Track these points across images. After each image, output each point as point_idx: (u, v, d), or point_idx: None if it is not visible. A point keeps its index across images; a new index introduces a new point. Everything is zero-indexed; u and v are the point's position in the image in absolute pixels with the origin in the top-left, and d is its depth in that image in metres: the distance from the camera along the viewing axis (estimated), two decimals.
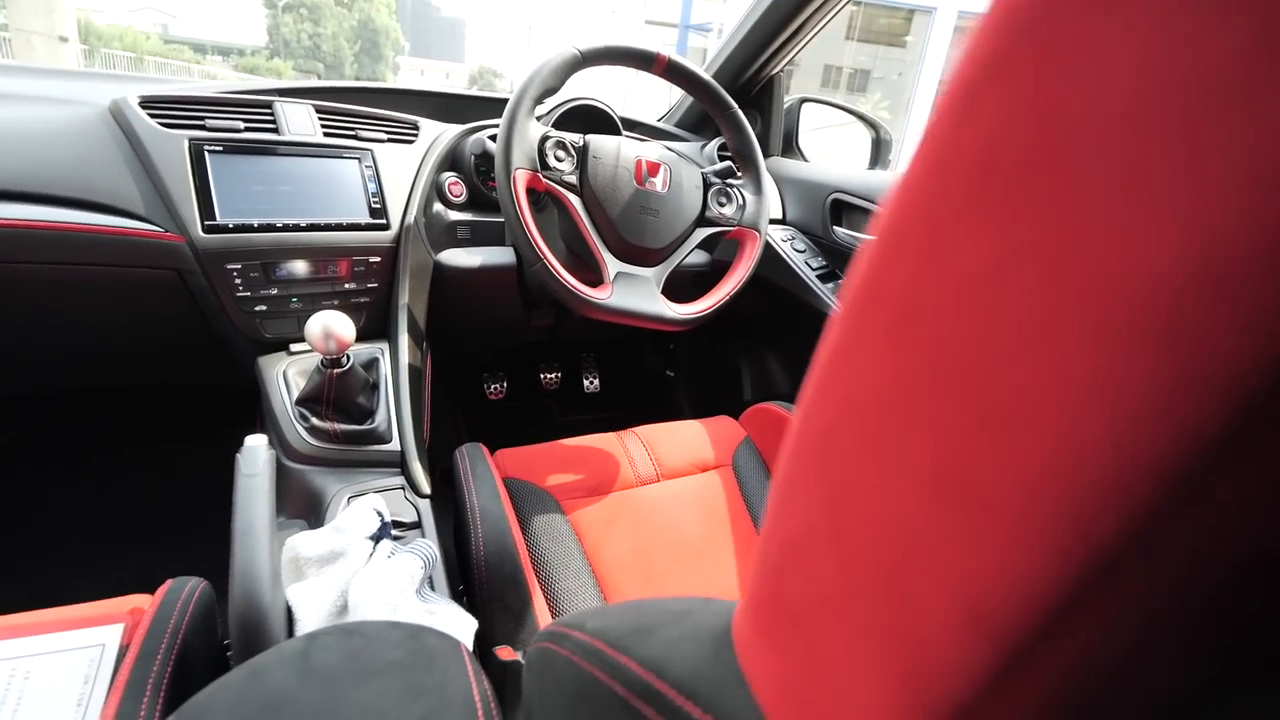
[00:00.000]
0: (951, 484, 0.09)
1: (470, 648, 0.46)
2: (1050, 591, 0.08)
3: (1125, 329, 0.07)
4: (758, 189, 0.84)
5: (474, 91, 1.18)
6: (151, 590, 0.53)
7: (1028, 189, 0.08)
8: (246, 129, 0.75)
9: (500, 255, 0.89)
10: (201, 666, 0.47)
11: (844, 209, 1.02)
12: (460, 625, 0.50)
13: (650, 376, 1.51)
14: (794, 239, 1.06)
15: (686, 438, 0.85)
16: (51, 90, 0.76)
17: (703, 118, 1.22)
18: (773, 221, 1.08)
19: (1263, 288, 0.06)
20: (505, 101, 1.15)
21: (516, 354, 1.42)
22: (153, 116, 0.71)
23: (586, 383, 1.47)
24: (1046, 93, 0.08)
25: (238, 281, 0.72)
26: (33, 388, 0.99)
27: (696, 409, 1.37)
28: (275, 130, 0.77)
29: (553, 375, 1.43)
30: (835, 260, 1.04)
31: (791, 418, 0.14)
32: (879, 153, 1.24)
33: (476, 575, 0.57)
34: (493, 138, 0.87)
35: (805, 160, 1.22)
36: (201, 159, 0.71)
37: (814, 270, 1.01)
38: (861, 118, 1.26)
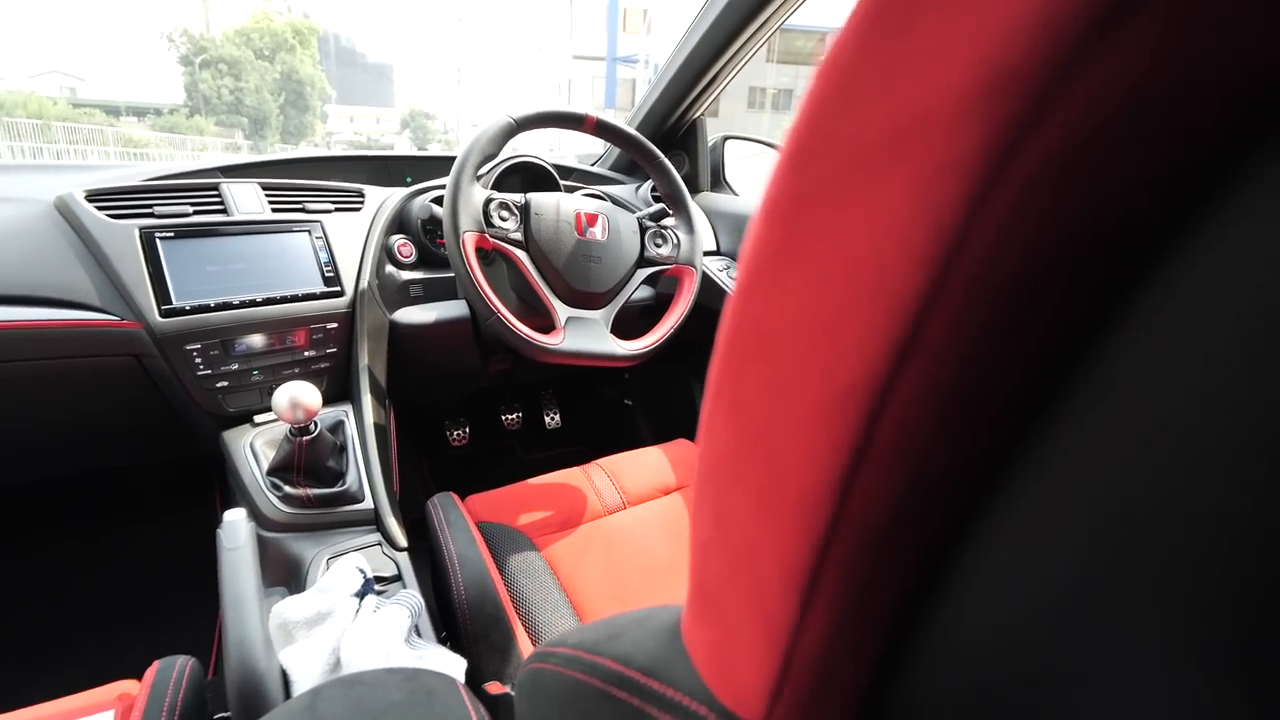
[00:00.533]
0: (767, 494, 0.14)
1: (463, 683, 0.49)
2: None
3: None
4: (690, 228, 0.91)
5: (413, 152, 1.23)
6: (138, 672, 0.54)
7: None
8: (195, 213, 0.78)
9: (453, 309, 0.93)
10: None
11: None
12: (451, 666, 0.53)
13: (609, 407, 1.56)
14: (729, 268, 1.14)
15: (648, 464, 0.90)
16: None
17: (634, 162, 1.30)
18: (708, 253, 1.16)
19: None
20: (443, 159, 1.21)
21: (476, 399, 1.44)
22: (100, 209, 0.73)
23: (548, 419, 1.51)
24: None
25: (198, 361, 0.74)
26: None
27: (656, 433, 1.42)
28: (224, 211, 0.80)
29: (514, 416, 1.46)
30: None
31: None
32: None
33: (460, 618, 0.60)
34: (437, 201, 0.92)
35: (734, 193, 1.31)
36: (153, 246, 0.73)
37: None
38: (777, 148, 1.37)
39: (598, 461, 0.90)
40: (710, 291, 1.12)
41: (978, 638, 0.12)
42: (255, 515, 0.70)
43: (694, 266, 0.90)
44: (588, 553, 0.77)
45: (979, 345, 0.09)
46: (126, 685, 0.52)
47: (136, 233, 0.73)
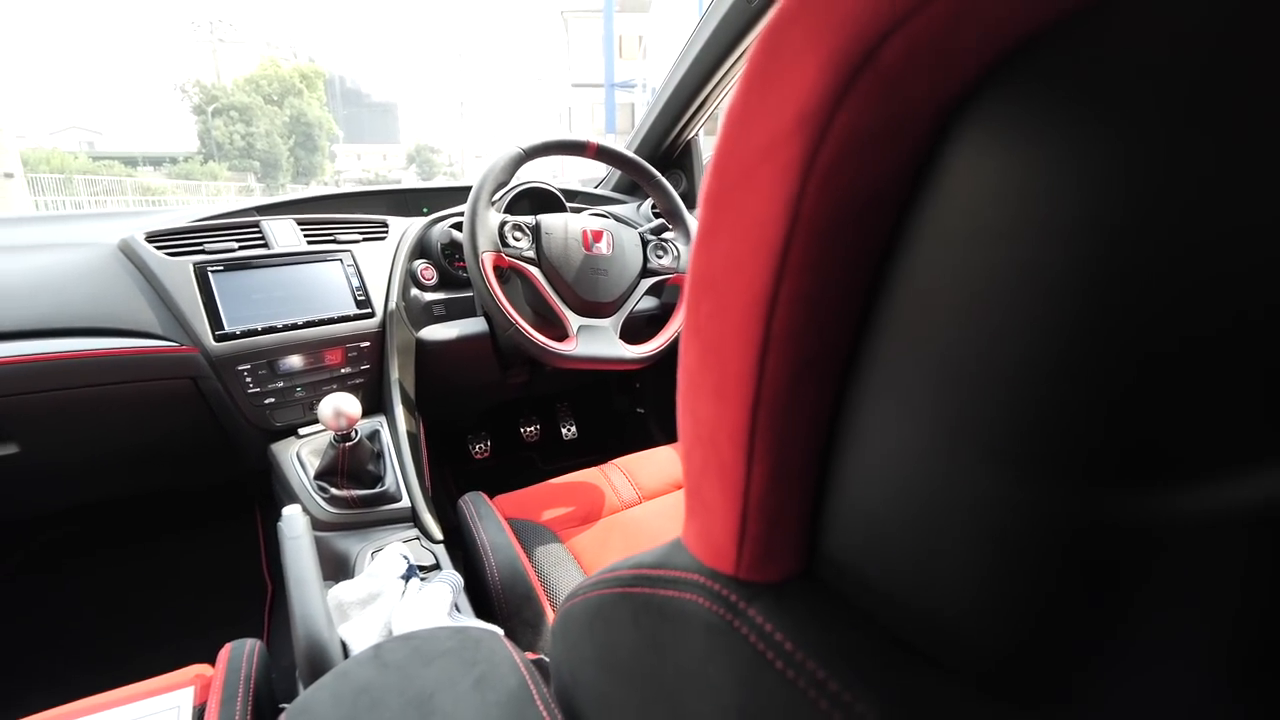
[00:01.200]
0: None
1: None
2: None
3: None
4: (688, 240, 0.99)
5: (427, 184, 1.32)
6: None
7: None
8: (240, 248, 0.86)
9: (474, 325, 1.01)
10: (270, 714, 0.55)
11: None
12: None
13: (622, 416, 1.62)
14: None
15: (661, 461, 0.96)
16: (61, 235, 0.87)
17: (634, 183, 1.38)
18: None
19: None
20: (454, 190, 1.29)
21: (496, 413, 1.51)
22: (159, 248, 0.82)
23: (564, 431, 1.57)
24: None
25: (248, 380, 0.82)
26: (53, 505, 1.05)
27: (668, 437, 1.48)
28: (265, 245, 0.89)
29: (532, 428, 1.53)
30: None
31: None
32: None
33: (495, 598, 0.67)
34: (455, 227, 1.00)
35: None
36: (206, 279, 0.82)
37: None
38: None
39: (614, 461, 0.96)
40: None
41: (867, 489, 0.18)
42: None
43: None
44: (608, 543, 0.83)
45: (822, 265, 0.15)
46: (200, 667, 0.59)
47: (191, 267, 0.81)
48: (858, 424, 0.18)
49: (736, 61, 1.09)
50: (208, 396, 0.84)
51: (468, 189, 0.85)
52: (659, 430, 1.50)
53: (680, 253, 0.98)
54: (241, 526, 1.23)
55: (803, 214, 0.15)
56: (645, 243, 0.97)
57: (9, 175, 3.22)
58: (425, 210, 1.21)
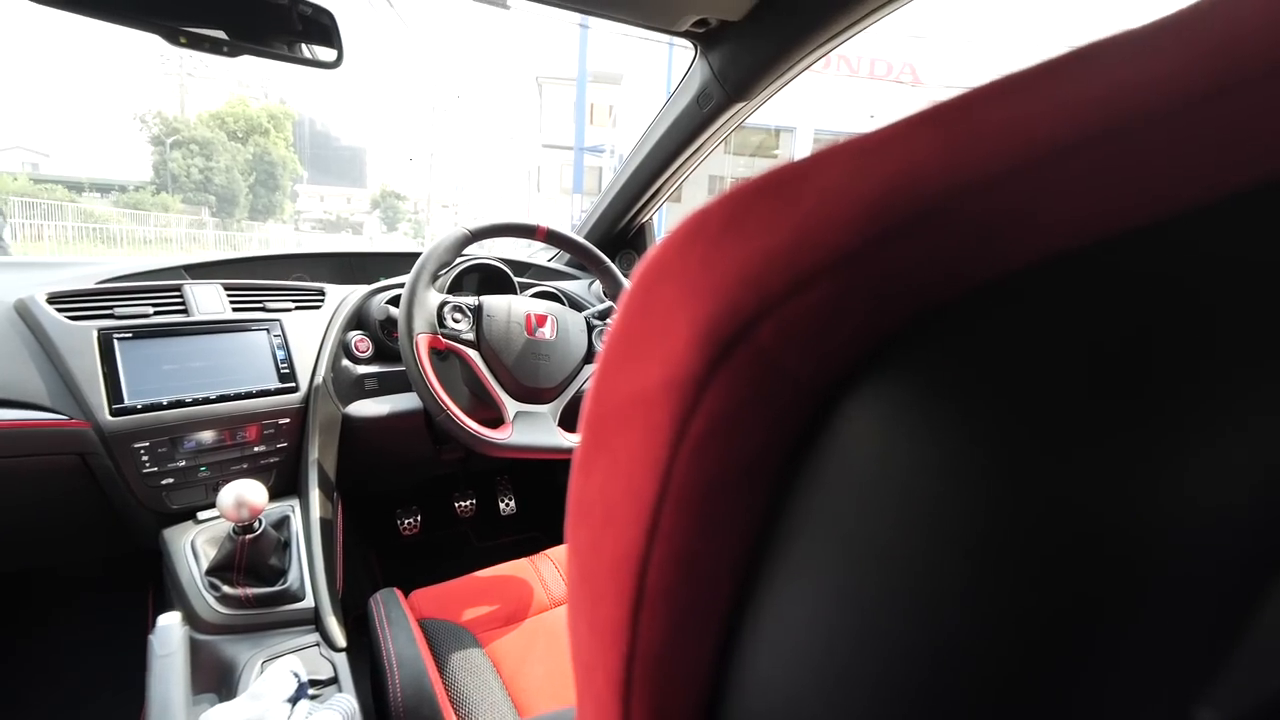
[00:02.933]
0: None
1: None
2: None
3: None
4: None
5: (375, 249, 1.29)
6: None
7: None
8: (156, 313, 0.81)
9: (407, 401, 0.97)
10: None
11: None
12: None
13: (564, 492, 1.57)
14: None
15: None
16: None
17: None
18: None
19: None
20: (405, 256, 1.27)
21: (429, 486, 1.44)
22: (60, 311, 0.76)
23: (502, 505, 1.51)
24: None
25: (145, 459, 0.75)
26: None
27: None
28: (185, 311, 0.83)
29: (467, 503, 1.46)
30: None
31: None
32: None
33: None
34: (394, 301, 0.97)
35: None
36: (110, 347, 0.76)
37: None
38: None
39: (546, 552, 0.91)
40: None
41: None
42: (189, 616, 0.69)
43: None
44: (532, 648, 0.77)
45: (696, 529, 0.14)
46: None
47: (94, 334, 0.75)
48: (751, 671, 0.16)
49: (690, 156, 1.13)
50: (96, 473, 0.76)
51: (415, 256, 0.83)
52: None
53: None
54: (132, 610, 1.11)
55: (673, 481, 0.14)
56: (591, 327, 0.96)
57: None
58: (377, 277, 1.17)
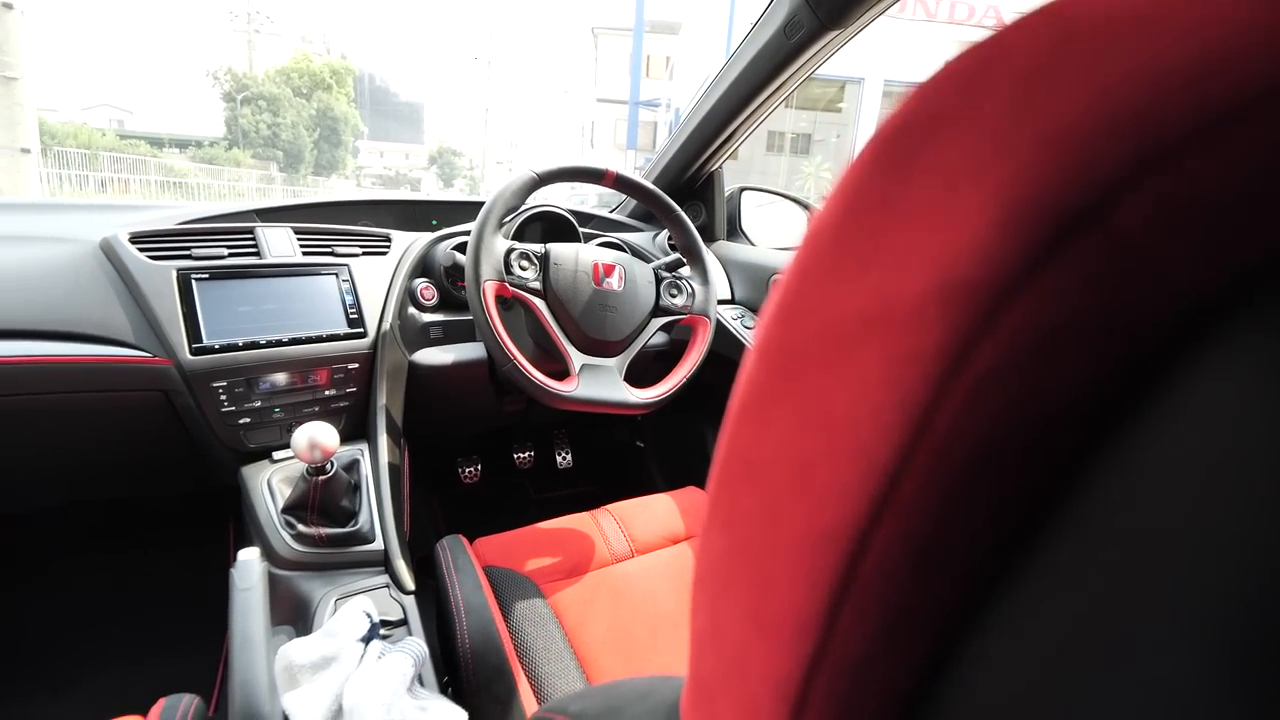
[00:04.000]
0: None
1: None
2: None
3: None
4: (705, 280, 0.93)
5: (439, 191, 1.28)
6: (136, 702, 0.55)
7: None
8: (230, 255, 0.81)
9: (471, 351, 0.95)
10: None
11: None
12: (451, 718, 0.53)
13: (621, 449, 1.56)
14: (743, 316, 1.16)
15: (657, 511, 0.90)
16: (43, 226, 0.82)
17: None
18: (722, 302, 1.18)
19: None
20: (468, 204, 1.25)
21: (489, 437, 1.46)
22: (142, 251, 0.77)
23: (559, 459, 1.51)
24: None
25: (223, 398, 0.77)
26: (15, 508, 0.99)
27: (668, 477, 1.42)
28: (257, 254, 0.83)
29: (526, 454, 1.47)
30: None
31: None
32: None
33: (463, 667, 0.60)
34: (460, 248, 0.95)
35: (751, 243, 1.34)
36: (189, 287, 0.76)
37: None
38: (794, 200, 1.40)
39: (607, 507, 0.90)
40: (725, 340, 1.13)
41: None
42: (268, 552, 0.71)
43: (708, 317, 0.92)
44: (594, 602, 0.76)
45: (949, 504, 0.10)
46: None
47: (174, 274, 0.76)
48: (968, 693, 0.12)
49: (772, 94, 1.04)
50: (179, 411, 0.78)
51: (481, 204, 0.80)
52: (658, 470, 1.44)
53: (695, 292, 0.93)
54: (214, 543, 1.17)
55: (931, 432, 0.09)
56: (659, 280, 0.91)
57: (26, 151, 3.21)
58: (434, 224, 1.16)
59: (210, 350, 0.75)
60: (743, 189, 1.35)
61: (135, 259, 0.76)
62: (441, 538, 0.77)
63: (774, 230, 1.39)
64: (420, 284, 0.94)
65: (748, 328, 1.14)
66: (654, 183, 1.26)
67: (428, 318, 0.94)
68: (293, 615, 0.69)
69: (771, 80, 0.99)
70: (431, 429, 1.09)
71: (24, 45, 3.21)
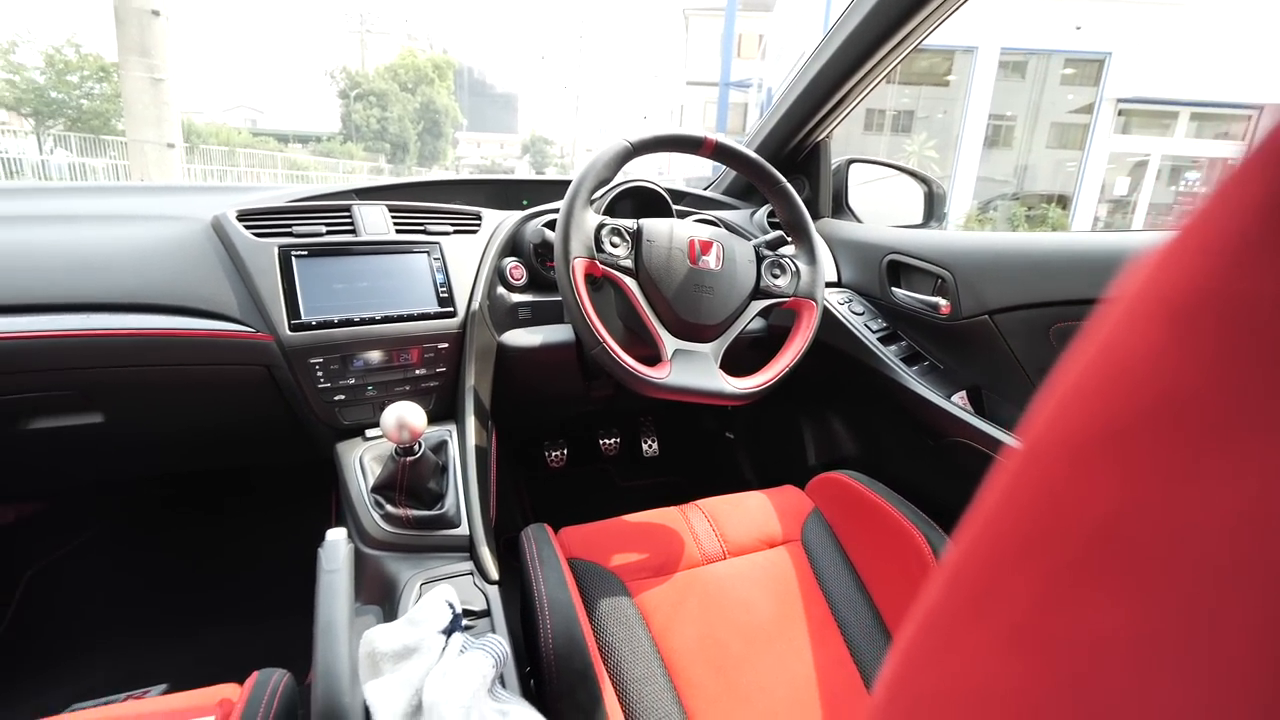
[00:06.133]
0: None
1: None
2: None
3: None
4: (811, 259, 0.84)
5: (531, 176, 1.25)
6: (238, 664, 0.56)
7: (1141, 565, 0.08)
8: (328, 232, 0.82)
9: (560, 333, 0.92)
10: None
11: (901, 269, 1.00)
12: None
13: (709, 439, 1.49)
14: (851, 301, 1.05)
15: (752, 510, 0.83)
16: (165, 206, 0.86)
17: (749, 186, 1.24)
18: (828, 285, 1.08)
19: None
20: (558, 183, 1.21)
21: (575, 421, 1.43)
22: (248, 228, 0.79)
23: (645, 447, 1.47)
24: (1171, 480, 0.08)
25: (319, 374, 0.77)
26: (129, 473, 1.07)
27: (759, 473, 1.34)
28: (353, 231, 0.83)
29: (611, 441, 1.44)
30: (896, 321, 1.02)
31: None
32: (933, 207, 1.23)
33: (546, 670, 0.57)
34: (550, 225, 0.92)
35: (857, 220, 1.22)
36: (289, 263, 0.77)
37: (874, 333, 1.00)
38: (912, 174, 1.26)
39: (697, 503, 0.84)
40: (829, 326, 1.04)
41: None
42: (358, 530, 0.71)
43: (814, 300, 0.83)
44: (683, 604, 0.71)
45: None
46: (228, 690, 0.54)
47: (275, 250, 0.77)
48: None
49: (892, 50, 0.93)
50: (281, 386, 0.80)
51: (569, 183, 0.75)
52: (749, 464, 1.36)
53: (801, 272, 0.84)
54: (320, 512, 1.22)
55: None
56: (760, 258, 0.83)
57: (170, 145, 3.58)
58: (525, 203, 1.13)
59: (308, 326, 0.76)
60: (851, 161, 1.22)
61: (242, 235, 0.78)
62: (527, 523, 0.75)
63: (887, 207, 1.26)
64: (510, 263, 0.92)
65: (855, 313, 1.03)
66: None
67: (516, 298, 0.91)
68: (380, 596, 0.68)
69: (891, 35, 0.88)
70: (519, 412, 1.07)
71: (170, 50, 3.57)
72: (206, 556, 1.19)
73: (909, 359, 0.96)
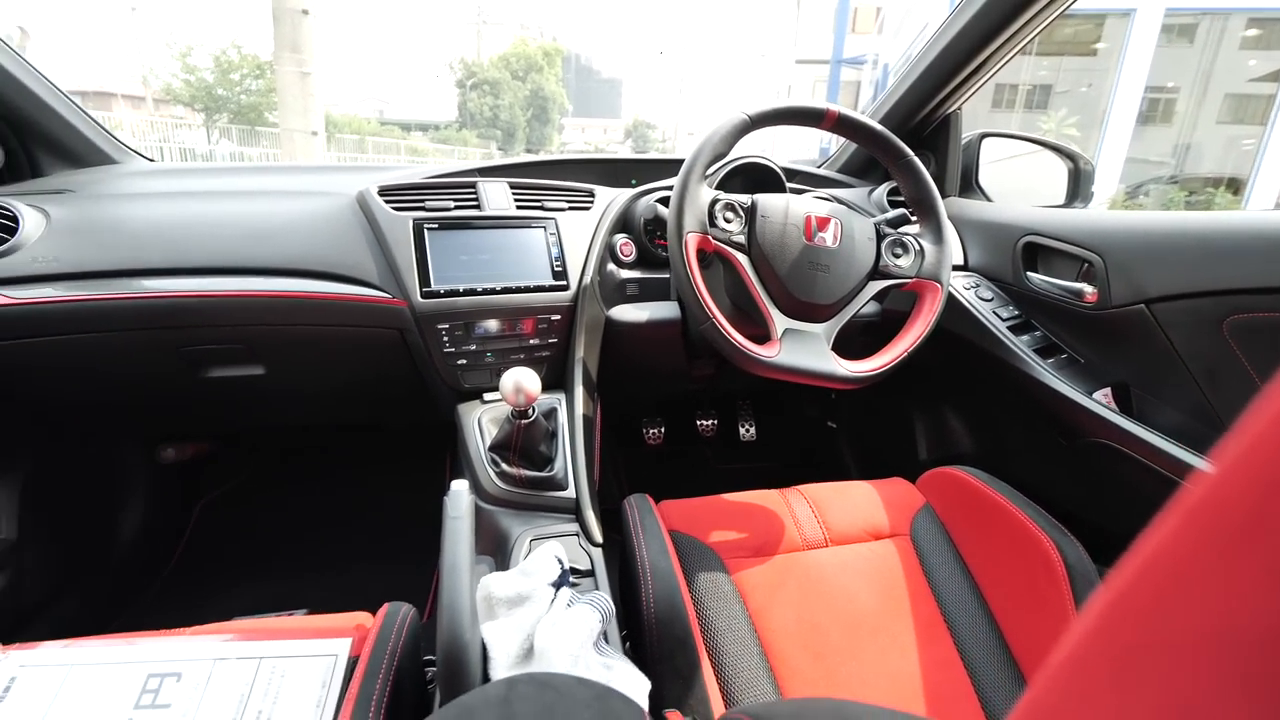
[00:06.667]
0: None
1: (646, 710, 0.47)
2: None
3: None
4: (938, 238, 0.79)
5: (640, 155, 1.26)
6: (366, 597, 0.61)
7: None
8: (456, 207, 0.87)
9: (665, 310, 0.93)
10: (409, 686, 0.53)
11: (1039, 252, 0.92)
12: (635, 684, 0.51)
13: (810, 427, 1.45)
14: (978, 286, 0.98)
15: (857, 500, 0.80)
16: (316, 184, 0.96)
17: (868, 162, 1.18)
18: (954, 268, 1.01)
19: None
20: (665, 162, 1.22)
21: (674, 401, 1.45)
22: (387, 202, 0.86)
23: (742, 430, 1.45)
24: None
25: (445, 339, 0.83)
26: (281, 423, 1.21)
27: (863, 466, 1.29)
28: (477, 206, 0.89)
29: (709, 422, 1.44)
30: (1029, 309, 0.93)
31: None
32: (1078, 185, 1.11)
33: (647, 633, 0.58)
34: (662, 201, 0.92)
35: (987, 199, 1.13)
36: (422, 235, 0.84)
37: (1004, 321, 0.92)
38: (1056, 149, 1.14)
39: (799, 488, 0.82)
40: (952, 312, 0.97)
41: None
42: (475, 486, 0.76)
43: (940, 282, 0.78)
44: (782, 587, 0.70)
45: None
46: (362, 617, 0.60)
47: (410, 223, 0.84)
48: None
49: (1032, 19, 0.84)
50: (411, 349, 0.87)
51: (680, 162, 0.75)
52: (851, 455, 1.31)
53: (925, 252, 0.79)
54: (437, 470, 1.32)
55: None
56: (881, 237, 0.79)
57: (314, 133, 3.99)
58: (634, 182, 1.15)
59: (437, 294, 0.82)
60: (985, 135, 1.13)
61: (382, 209, 0.85)
62: (625, 494, 0.77)
63: (1024, 186, 1.15)
64: (620, 239, 0.93)
65: (983, 299, 0.96)
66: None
67: (625, 274, 0.93)
68: (493, 548, 0.73)
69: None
70: (621, 386, 1.10)
71: (315, 45, 3.95)
72: (340, 503, 1.33)
73: (1043, 350, 0.88)
